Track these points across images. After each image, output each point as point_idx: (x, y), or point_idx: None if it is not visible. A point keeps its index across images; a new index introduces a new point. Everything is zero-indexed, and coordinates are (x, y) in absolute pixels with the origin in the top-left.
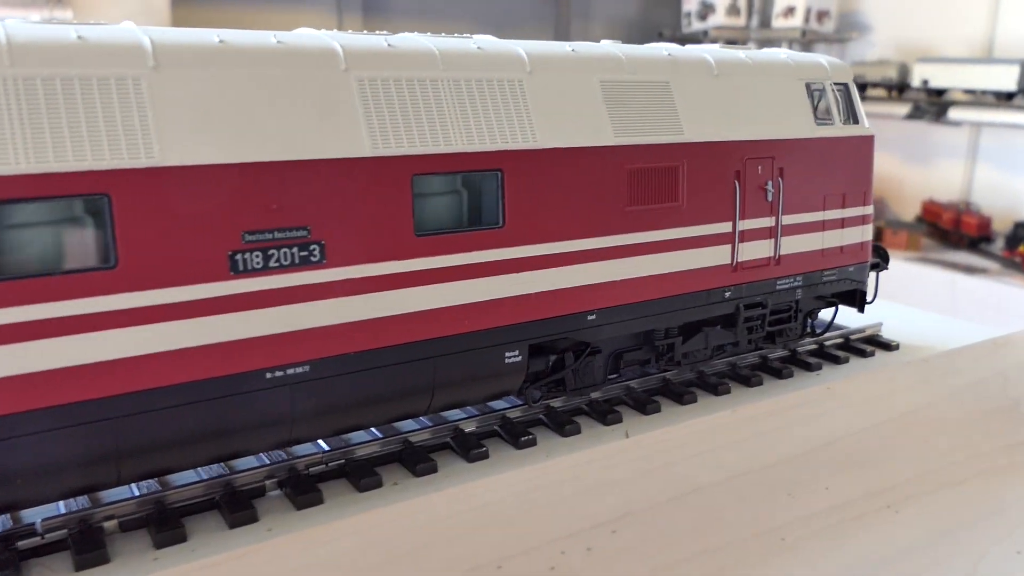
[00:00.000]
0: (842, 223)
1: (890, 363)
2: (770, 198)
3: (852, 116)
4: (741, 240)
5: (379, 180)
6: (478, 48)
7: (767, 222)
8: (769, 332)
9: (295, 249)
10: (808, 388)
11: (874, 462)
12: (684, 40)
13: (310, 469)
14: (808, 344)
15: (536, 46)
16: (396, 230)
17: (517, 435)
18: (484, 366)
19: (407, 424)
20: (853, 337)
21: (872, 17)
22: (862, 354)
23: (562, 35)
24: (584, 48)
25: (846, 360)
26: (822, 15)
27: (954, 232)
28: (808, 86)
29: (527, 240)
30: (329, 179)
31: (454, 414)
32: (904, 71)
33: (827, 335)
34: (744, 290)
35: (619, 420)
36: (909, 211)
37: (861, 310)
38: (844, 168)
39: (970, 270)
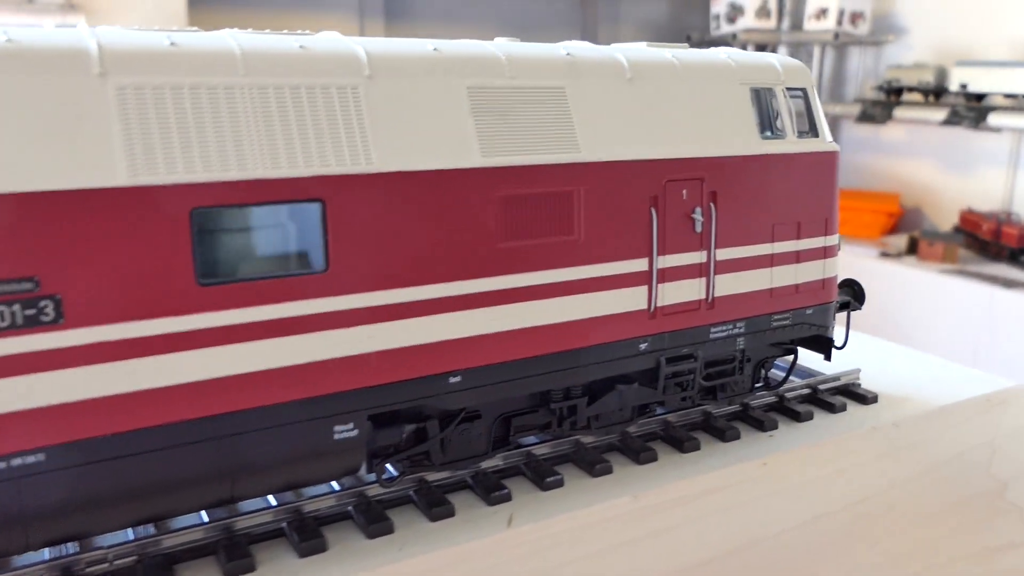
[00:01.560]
0: (796, 257)
1: (853, 426)
2: (699, 228)
3: (811, 128)
4: (661, 280)
5: (142, 216)
6: (300, 47)
7: (696, 258)
8: (708, 387)
9: (15, 307)
10: (736, 465)
11: (799, 570)
12: (712, 43)
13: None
14: (766, 397)
15: (385, 44)
16: (169, 278)
17: (372, 519)
18: (303, 445)
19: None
20: (823, 388)
21: (909, 19)
22: (830, 409)
23: (589, 38)
24: (451, 47)
25: (809, 417)
26: (856, 17)
27: (993, 243)
28: (754, 92)
29: (360, 287)
30: (65, 216)
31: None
32: (942, 75)
33: (791, 385)
34: (666, 340)
35: (507, 499)
36: (946, 221)
37: (828, 358)
38: (799, 191)
39: (1009, 284)
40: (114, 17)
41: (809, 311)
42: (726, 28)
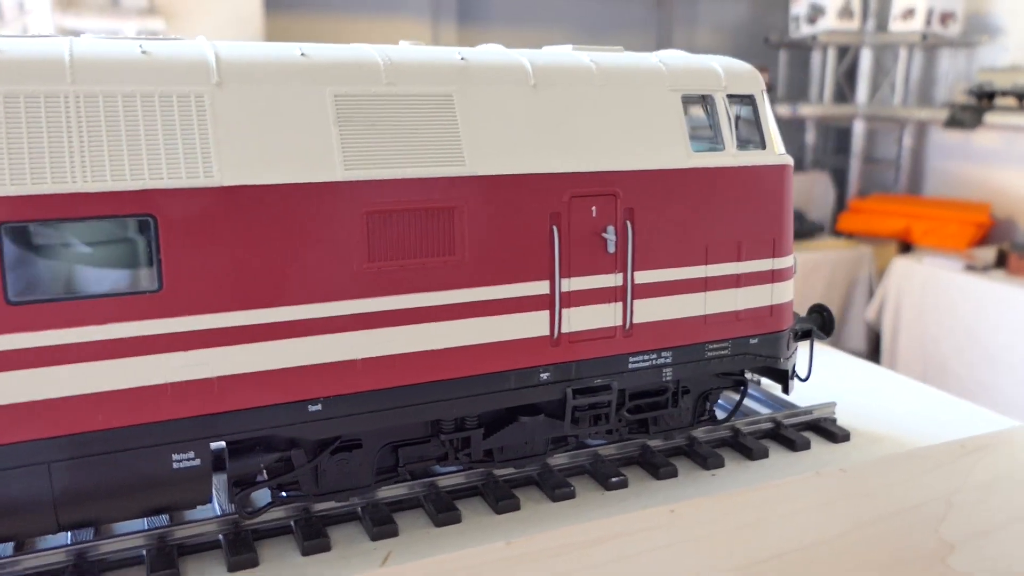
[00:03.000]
0: (736, 281)
1: (813, 466)
2: (612, 249)
3: (757, 139)
4: (566, 304)
5: None
6: (143, 52)
7: (609, 281)
8: (637, 420)
9: None
10: (640, 511)
11: None
12: (792, 45)
13: None
14: (720, 431)
15: (244, 49)
16: None
17: (239, 550)
18: (137, 474)
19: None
20: (787, 422)
21: (1004, 19)
22: (790, 446)
23: (665, 41)
24: (321, 52)
25: (763, 454)
26: (946, 17)
27: None
28: (687, 100)
29: (199, 308)
30: None
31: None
32: None
33: (754, 419)
34: (574, 370)
35: (393, 534)
36: None
37: (785, 390)
38: (739, 208)
39: None
40: (192, 21)
41: (754, 340)
42: (806, 29)
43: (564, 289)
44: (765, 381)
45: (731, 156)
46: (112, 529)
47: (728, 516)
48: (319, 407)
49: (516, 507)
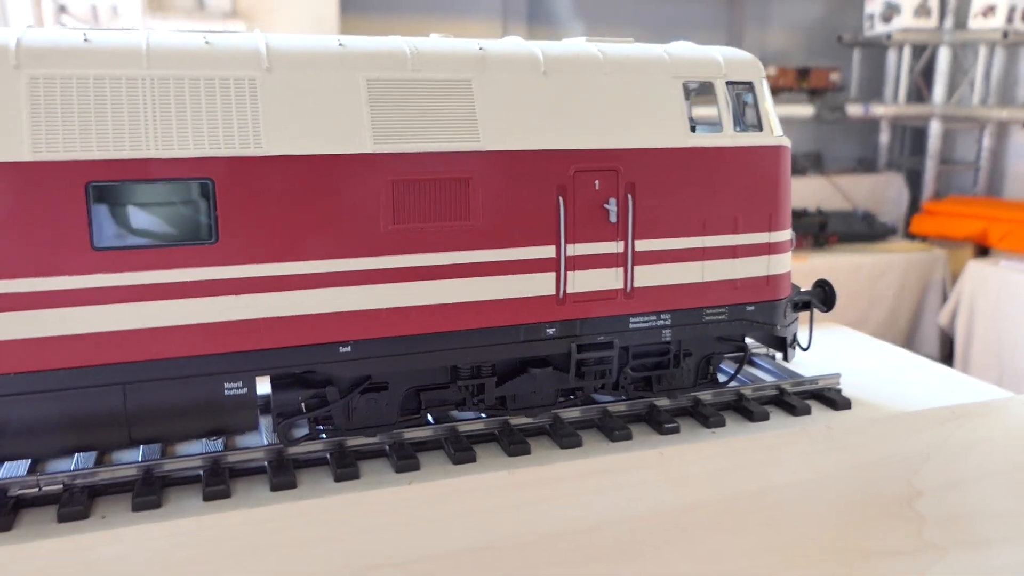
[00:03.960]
0: (733, 252)
1: (794, 427)
2: (614, 219)
3: (755, 122)
4: (571, 268)
5: (42, 186)
6: (206, 42)
7: (611, 247)
8: (641, 377)
9: None
10: (634, 452)
11: (647, 554)
12: (866, 44)
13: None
14: (725, 395)
15: (291, 40)
16: (67, 242)
17: (281, 473)
18: (195, 397)
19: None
20: (792, 390)
21: None
22: (791, 411)
23: (736, 41)
24: (355, 42)
25: (763, 417)
26: None
27: None
28: (688, 86)
29: (247, 259)
30: None
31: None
32: None
33: (759, 385)
34: (578, 327)
35: (415, 468)
36: None
37: (785, 358)
38: (736, 185)
39: None
40: (271, 23)
41: (750, 308)
42: (881, 28)
43: (569, 254)
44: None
45: (728, 137)
46: (175, 452)
47: (712, 459)
48: (349, 348)
49: (527, 451)
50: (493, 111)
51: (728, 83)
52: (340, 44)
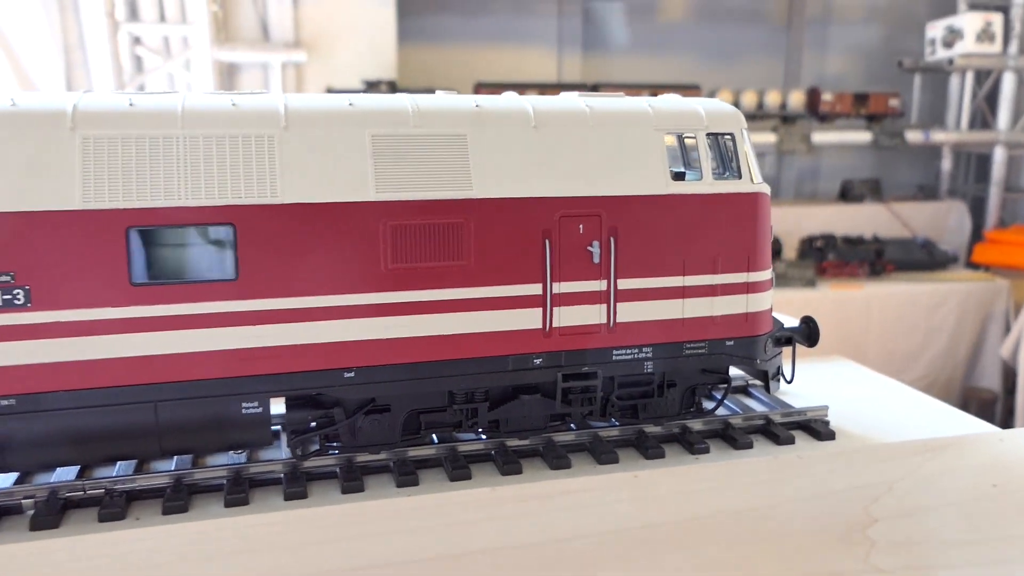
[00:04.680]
0: (712, 290)
1: (774, 454)
2: (597, 259)
3: (734, 170)
4: (556, 304)
5: (91, 231)
6: (233, 104)
7: (595, 286)
8: (628, 405)
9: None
10: (613, 474)
11: (610, 566)
12: (927, 70)
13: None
14: (711, 422)
15: (307, 100)
16: (110, 278)
17: (294, 484)
18: (218, 415)
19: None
20: (778, 420)
21: None
22: (775, 440)
23: (793, 66)
24: (364, 101)
25: (747, 446)
26: None
27: None
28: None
29: (263, 294)
30: (37, 229)
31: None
32: None
33: (748, 415)
34: (563, 358)
35: (414, 483)
36: None
37: (768, 390)
38: (715, 229)
39: None
40: (332, 53)
41: (729, 343)
42: (943, 53)
43: (555, 291)
44: (786, 387)
45: (707, 184)
46: (205, 463)
47: (682, 483)
48: (352, 374)
49: (518, 471)
50: (485, 162)
51: (709, 135)
52: (350, 104)
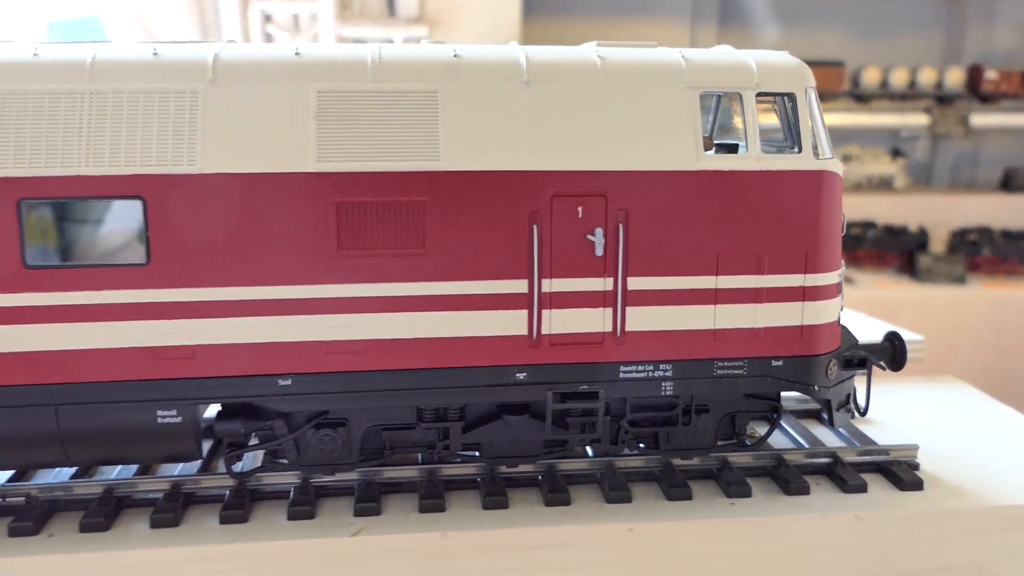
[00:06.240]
0: (756, 295)
1: (829, 511)
2: (600, 251)
3: (793, 141)
4: (546, 306)
5: None
6: (155, 55)
7: (597, 284)
8: (648, 433)
9: None
10: (603, 524)
11: None
12: None
13: None
14: (762, 457)
15: (241, 50)
16: (1, 258)
17: (233, 505)
18: (129, 423)
19: None
20: (849, 460)
21: None
22: (841, 485)
23: (955, 41)
24: (313, 51)
25: (803, 491)
26: None
27: None
28: (705, 98)
29: (178, 282)
30: None
31: None
32: None
33: (810, 451)
34: (555, 373)
35: (375, 512)
36: None
37: (831, 422)
38: (761, 217)
39: None
40: (455, 28)
41: (777, 362)
42: None
43: (544, 290)
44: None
45: (753, 159)
46: (157, 470)
47: (689, 544)
48: (289, 382)
49: (503, 505)
50: (460, 126)
51: (761, 94)
52: (297, 53)
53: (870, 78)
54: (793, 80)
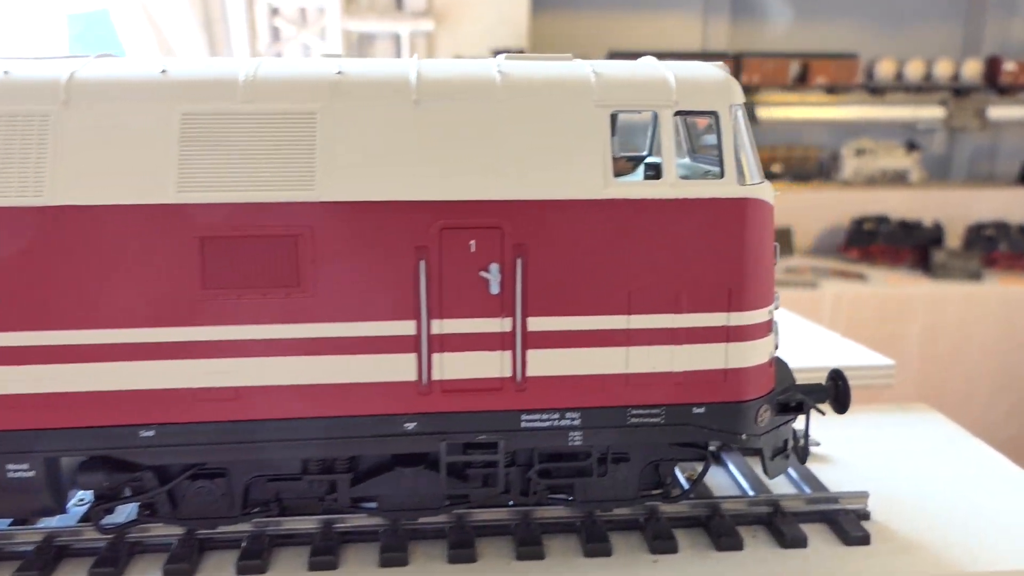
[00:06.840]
0: (672, 336)
1: (777, 570)
2: (496, 289)
3: (715, 166)
4: (437, 349)
5: None
6: (4, 74)
7: (494, 325)
8: (558, 485)
9: None
10: None
11: None
12: None
13: None
14: (697, 506)
15: (101, 67)
16: None
17: (105, 562)
18: None
19: None
20: (790, 508)
21: None
22: (780, 539)
23: (973, 31)
24: (181, 68)
25: (735, 546)
26: None
27: None
28: (617, 118)
29: (24, 324)
30: None
31: None
32: None
33: (754, 499)
34: (448, 422)
35: (260, 571)
36: None
37: (765, 471)
38: (679, 250)
39: None
40: (462, 22)
41: (699, 409)
42: None
43: (435, 331)
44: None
45: (668, 186)
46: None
47: None
48: (152, 433)
49: (471, 559)
50: (339, 151)
51: (681, 112)
52: (163, 71)
53: (884, 70)
54: (716, 97)
